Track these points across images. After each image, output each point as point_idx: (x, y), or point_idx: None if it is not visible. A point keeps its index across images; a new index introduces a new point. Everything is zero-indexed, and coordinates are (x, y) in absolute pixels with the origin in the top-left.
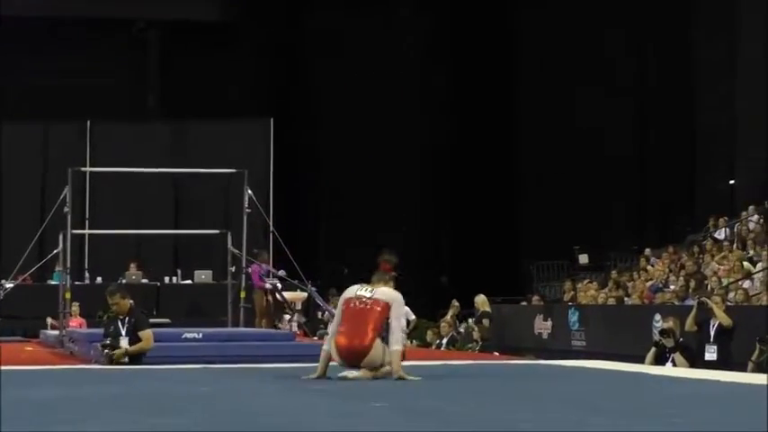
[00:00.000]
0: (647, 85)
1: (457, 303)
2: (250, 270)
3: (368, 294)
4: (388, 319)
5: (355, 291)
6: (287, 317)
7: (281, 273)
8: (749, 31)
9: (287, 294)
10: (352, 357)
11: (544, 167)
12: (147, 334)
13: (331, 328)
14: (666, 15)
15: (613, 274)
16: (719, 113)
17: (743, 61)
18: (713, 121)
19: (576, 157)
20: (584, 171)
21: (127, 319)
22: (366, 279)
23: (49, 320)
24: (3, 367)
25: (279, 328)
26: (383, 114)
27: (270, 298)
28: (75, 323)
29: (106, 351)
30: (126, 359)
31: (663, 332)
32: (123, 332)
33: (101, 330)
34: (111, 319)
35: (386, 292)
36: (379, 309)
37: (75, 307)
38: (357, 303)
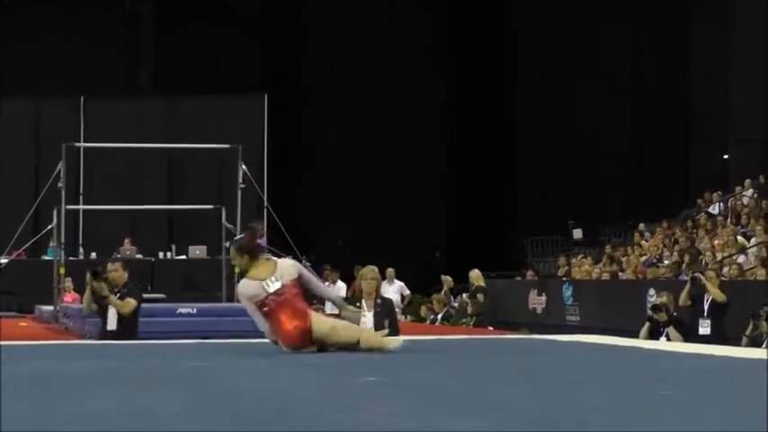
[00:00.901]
0: (643, 64)
1: (450, 278)
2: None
3: (278, 285)
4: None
5: (260, 289)
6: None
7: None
8: (744, 19)
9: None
10: (306, 339)
11: (539, 142)
12: (130, 301)
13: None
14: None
15: (607, 248)
16: (714, 90)
17: (739, 40)
18: (708, 97)
19: (572, 132)
20: (579, 145)
21: (119, 292)
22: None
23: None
24: None
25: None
26: (378, 91)
27: None
28: (70, 298)
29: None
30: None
31: (655, 307)
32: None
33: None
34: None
35: (285, 268)
36: (296, 290)
37: (69, 282)
38: (275, 300)
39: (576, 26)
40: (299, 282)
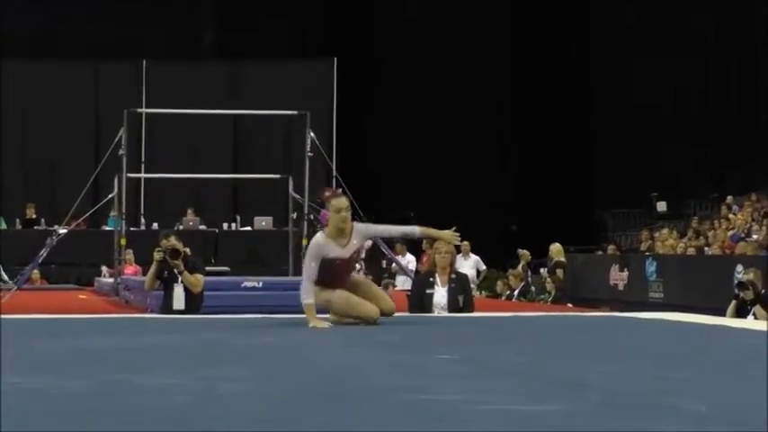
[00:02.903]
0: (728, 25)
1: (528, 252)
2: (320, 215)
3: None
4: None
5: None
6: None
7: None
8: None
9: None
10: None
11: (619, 109)
12: (199, 277)
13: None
14: None
15: (693, 222)
16: None
17: None
18: None
19: (653, 98)
20: (662, 112)
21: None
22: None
23: (104, 269)
24: (55, 315)
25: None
26: (450, 55)
27: None
28: (131, 270)
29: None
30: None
31: (741, 284)
32: (179, 278)
33: None
34: (165, 264)
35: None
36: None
37: (130, 254)
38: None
39: None
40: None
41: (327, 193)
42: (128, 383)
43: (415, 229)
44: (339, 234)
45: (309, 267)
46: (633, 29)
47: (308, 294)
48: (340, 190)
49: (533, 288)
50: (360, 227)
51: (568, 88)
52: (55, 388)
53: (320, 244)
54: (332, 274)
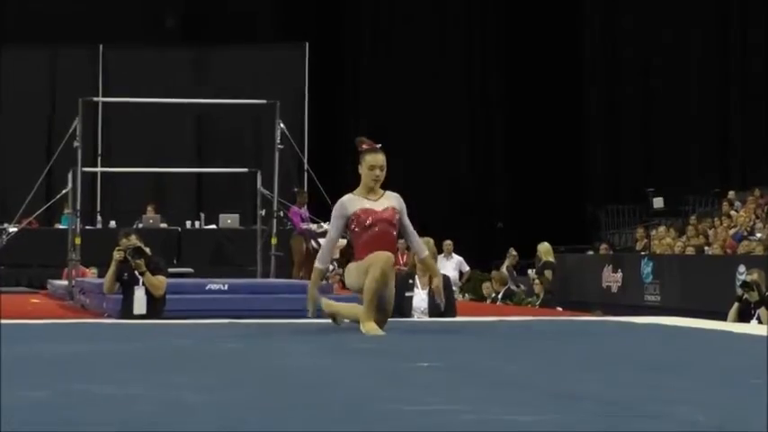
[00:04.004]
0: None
1: (514, 252)
2: (289, 212)
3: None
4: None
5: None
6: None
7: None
8: None
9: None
10: None
11: (613, 98)
12: (162, 279)
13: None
14: None
15: (692, 220)
16: None
17: None
18: None
19: (650, 88)
20: (660, 103)
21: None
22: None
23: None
24: (5, 321)
25: (327, 280)
26: (432, 42)
27: (313, 244)
28: (86, 273)
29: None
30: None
31: (744, 285)
32: (140, 281)
33: None
34: (125, 265)
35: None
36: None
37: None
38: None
39: None
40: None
41: (365, 146)
42: (87, 394)
43: (424, 251)
44: (369, 192)
45: (332, 228)
46: (626, 21)
47: (319, 259)
48: (380, 145)
49: (521, 288)
50: (395, 195)
51: (559, 77)
52: (8, 398)
53: (345, 200)
54: (366, 235)
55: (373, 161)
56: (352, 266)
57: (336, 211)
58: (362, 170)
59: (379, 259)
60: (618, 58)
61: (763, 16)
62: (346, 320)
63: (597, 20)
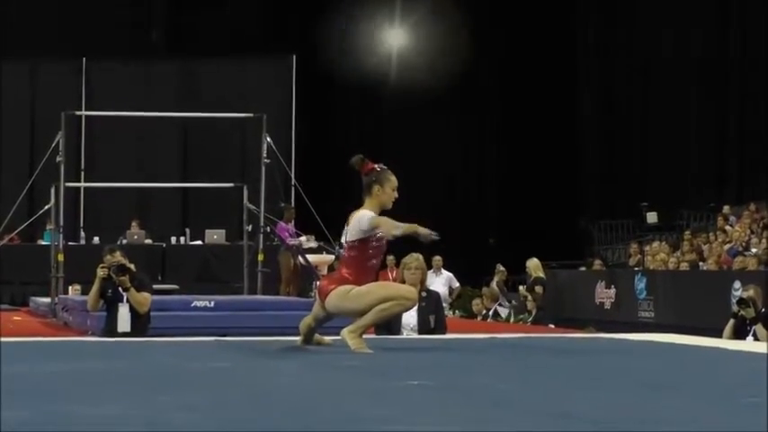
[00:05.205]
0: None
1: (502, 268)
2: (277, 228)
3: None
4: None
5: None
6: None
7: (309, 241)
8: None
9: (311, 258)
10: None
11: (607, 110)
12: (147, 295)
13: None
14: None
15: (687, 235)
16: None
17: None
18: None
19: (645, 100)
20: (654, 116)
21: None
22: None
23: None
24: None
25: (311, 296)
26: (422, 51)
27: (301, 260)
28: (70, 289)
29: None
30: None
31: (741, 301)
32: (124, 298)
33: None
34: (109, 282)
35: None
36: (350, 253)
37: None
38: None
39: None
40: (362, 243)
41: (382, 165)
42: (71, 414)
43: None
44: (380, 214)
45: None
46: (621, 32)
47: (395, 227)
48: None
49: (513, 304)
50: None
51: (553, 88)
52: None
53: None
54: (372, 261)
55: (395, 182)
56: (353, 292)
57: (372, 221)
58: (382, 190)
59: (413, 294)
60: (613, 71)
61: (763, 16)
62: (328, 340)
63: (592, 34)
